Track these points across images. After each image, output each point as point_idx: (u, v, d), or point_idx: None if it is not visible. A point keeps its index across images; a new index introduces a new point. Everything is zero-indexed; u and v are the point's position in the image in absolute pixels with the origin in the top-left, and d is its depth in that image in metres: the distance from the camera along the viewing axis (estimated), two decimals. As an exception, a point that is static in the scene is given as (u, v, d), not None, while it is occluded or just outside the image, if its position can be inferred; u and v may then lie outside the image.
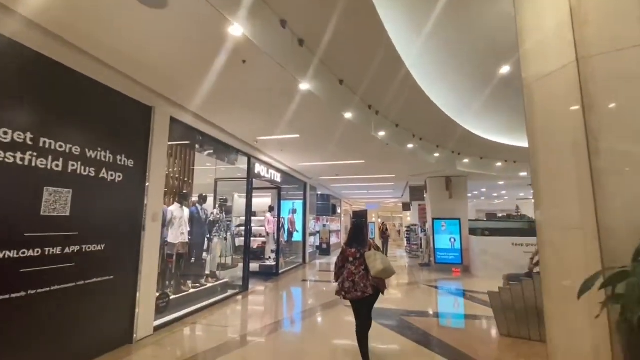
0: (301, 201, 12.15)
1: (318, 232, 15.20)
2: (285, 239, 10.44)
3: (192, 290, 5.49)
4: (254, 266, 8.92)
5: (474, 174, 9.91)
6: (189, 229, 5.47)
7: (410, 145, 7.23)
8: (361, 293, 3.04)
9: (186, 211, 5.44)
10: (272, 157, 7.92)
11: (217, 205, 6.66)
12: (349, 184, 12.76)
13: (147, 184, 4.06)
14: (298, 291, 7.48)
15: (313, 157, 8.02)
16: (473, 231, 10.19)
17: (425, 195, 11.12)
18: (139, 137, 4.04)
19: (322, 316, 5.27)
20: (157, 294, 4.36)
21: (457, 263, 9.81)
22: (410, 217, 30.58)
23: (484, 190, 15.66)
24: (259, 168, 7.66)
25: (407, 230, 14.54)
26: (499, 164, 9.90)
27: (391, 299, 6.35)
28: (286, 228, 10.53)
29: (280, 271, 9.06)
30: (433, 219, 10.20)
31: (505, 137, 7.87)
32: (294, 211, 11.28)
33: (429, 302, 6.65)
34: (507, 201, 19.47)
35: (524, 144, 2.49)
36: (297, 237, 11.58)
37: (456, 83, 5.40)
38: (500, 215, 18.71)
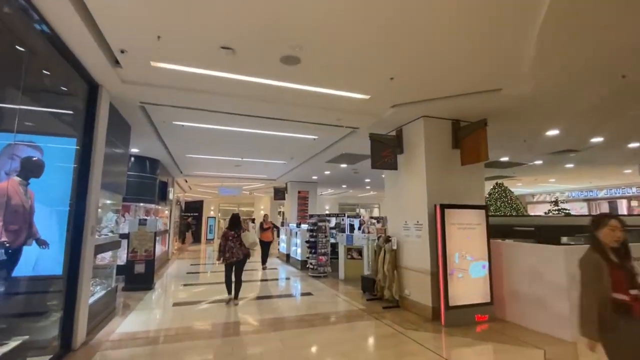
0: (71, 140, 3.78)
1: (127, 235, 6.73)
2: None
3: None
4: None
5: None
6: None
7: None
8: (235, 259, 5.21)
9: None
10: None
11: None
12: (243, 124, 5.20)
13: None
14: None
15: None
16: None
17: (399, 158, 5.27)
18: None
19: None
20: None
21: (483, 303, 4.45)
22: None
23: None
24: None
25: (311, 230, 8.25)
26: None
27: None
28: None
29: None
30: (441, 206, 4.47)
31: None
32: (33, 171, 2.93)
33: None
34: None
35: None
36: (46, 262, 3.26)
37: None
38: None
